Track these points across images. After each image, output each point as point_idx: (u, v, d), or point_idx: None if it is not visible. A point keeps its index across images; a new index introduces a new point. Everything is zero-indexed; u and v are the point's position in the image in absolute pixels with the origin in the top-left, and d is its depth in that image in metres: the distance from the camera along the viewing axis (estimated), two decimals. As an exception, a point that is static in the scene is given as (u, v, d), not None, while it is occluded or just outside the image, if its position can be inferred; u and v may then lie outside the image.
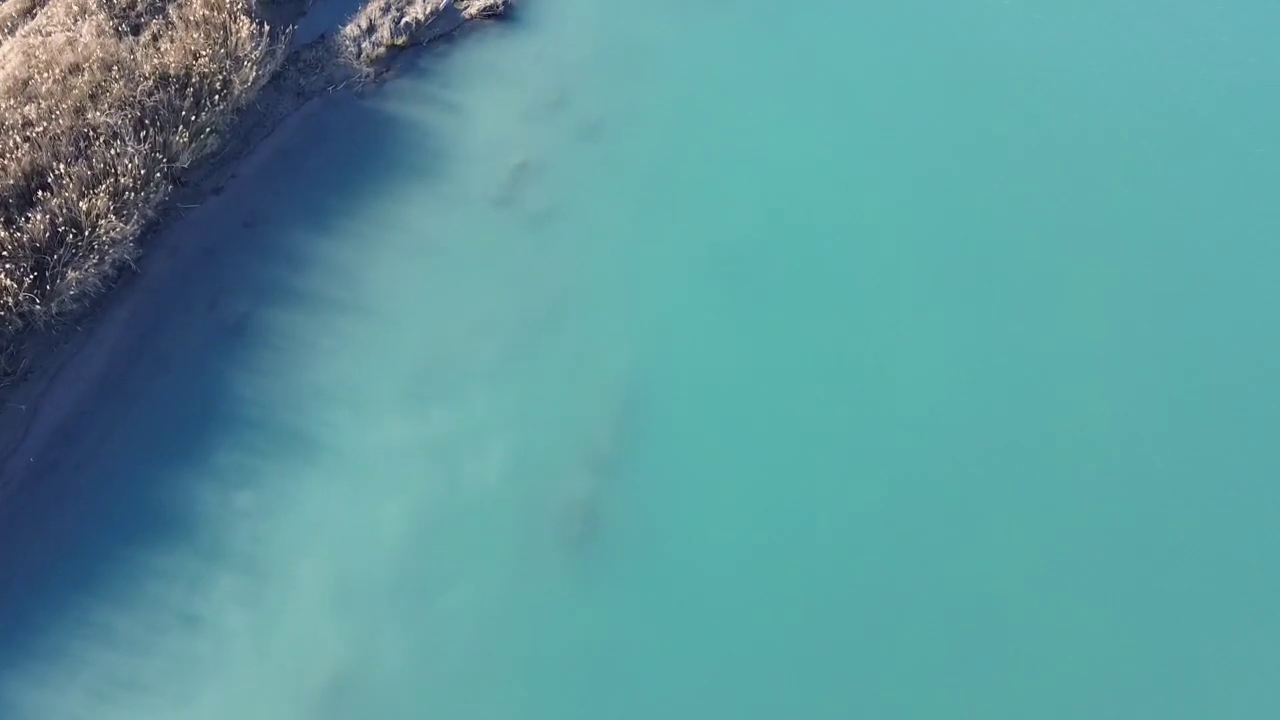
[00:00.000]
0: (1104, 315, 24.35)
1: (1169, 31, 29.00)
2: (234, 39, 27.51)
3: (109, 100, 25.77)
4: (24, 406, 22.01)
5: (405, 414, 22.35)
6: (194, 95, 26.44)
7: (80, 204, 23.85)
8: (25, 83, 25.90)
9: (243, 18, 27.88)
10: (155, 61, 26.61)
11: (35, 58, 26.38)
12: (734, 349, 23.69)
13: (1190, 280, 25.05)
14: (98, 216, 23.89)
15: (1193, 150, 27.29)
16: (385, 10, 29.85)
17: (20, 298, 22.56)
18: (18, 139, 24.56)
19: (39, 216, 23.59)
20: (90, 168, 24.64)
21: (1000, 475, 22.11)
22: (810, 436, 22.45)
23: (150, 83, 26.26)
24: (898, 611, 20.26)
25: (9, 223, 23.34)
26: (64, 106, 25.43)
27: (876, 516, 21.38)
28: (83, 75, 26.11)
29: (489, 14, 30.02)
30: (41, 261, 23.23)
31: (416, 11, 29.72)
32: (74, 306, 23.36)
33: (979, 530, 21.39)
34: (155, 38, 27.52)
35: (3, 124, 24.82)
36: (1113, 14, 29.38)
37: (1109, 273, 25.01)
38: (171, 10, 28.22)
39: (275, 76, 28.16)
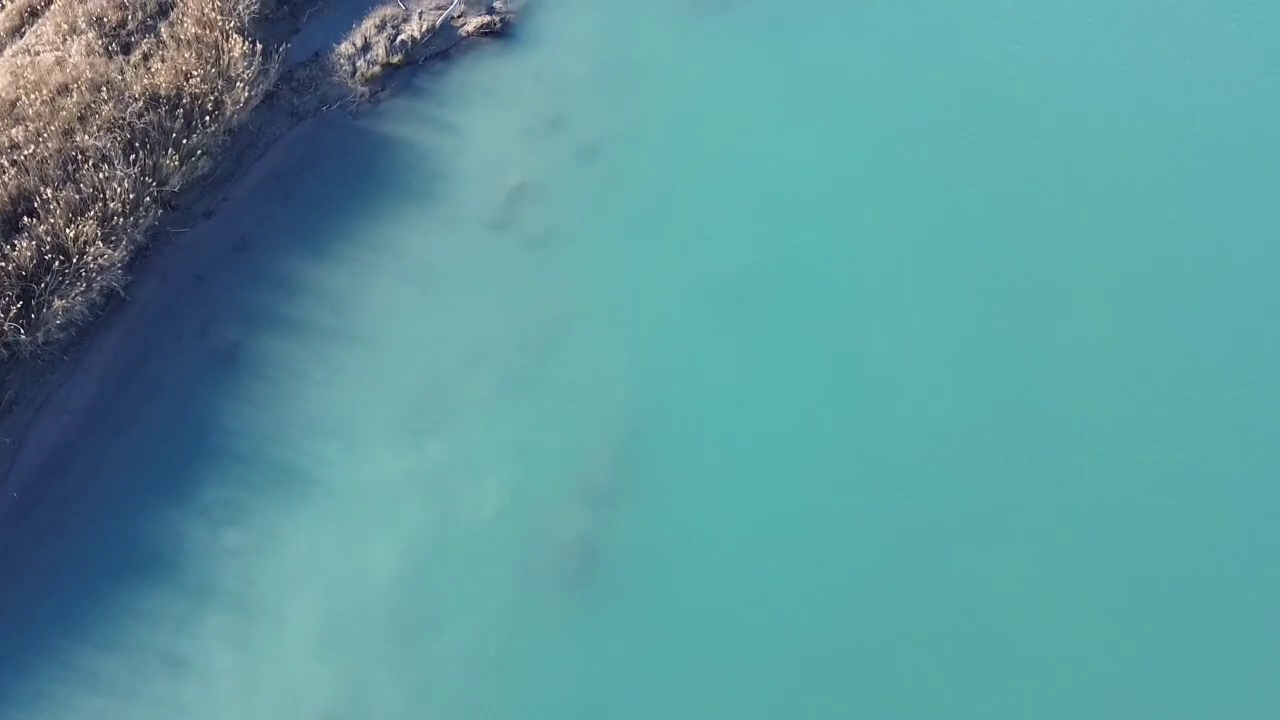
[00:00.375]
0: (1108, 334, 23.67)
1: (1172, 43, 28.39)
2: (226, 58, 27.01)
3: (98, 122, 25.28)
4: (8, 439, 21.52)
5: (398, 446, 21.82)
6: (185, 116, 25.94)
7: (68, 230, 23.34)
8: (13, 104, 25.43)
9: (235, 36, 27.37)
10: (146, 81, 26.12)
11: (23, 78, 25.90)
12: (735, 375, 23.13)
13: (1193, 294, 24.34)
14: (85, 243, 23.40)
15: (1194, 162, 26.64)
16: (380, 28, 29.34)
17: (5, 327, 22.07)
18: (4, 163, 24.10)
19: (25, 243, 23.10)
20: (78, 192, 24.15)
21: (1008, 503, 21.52)
22: (814, 467, 21.88)
23: (140, 104, 25.77)
24: (907, 654, 19.69)
25: (-6, 250, 22.90)
26: (52, 129, 24.95)
27: (884, 550, 20.80)
28: (71, 96, 25.64)
29: (486, 32, 29.49)
30: (27, 289, 22.73)
31: (412, 29, 29.20)
32: (61, 335, 22.86)
33: (985, 560, 20.78)
34: (146, 57, 27.03)
35: (-11, 147, 24.39)
36: (1116, 26, 28.77)
37: (1113, 291, 24.35)
38: (163, 28, 27.74)
39: (268, 96, 27.65)
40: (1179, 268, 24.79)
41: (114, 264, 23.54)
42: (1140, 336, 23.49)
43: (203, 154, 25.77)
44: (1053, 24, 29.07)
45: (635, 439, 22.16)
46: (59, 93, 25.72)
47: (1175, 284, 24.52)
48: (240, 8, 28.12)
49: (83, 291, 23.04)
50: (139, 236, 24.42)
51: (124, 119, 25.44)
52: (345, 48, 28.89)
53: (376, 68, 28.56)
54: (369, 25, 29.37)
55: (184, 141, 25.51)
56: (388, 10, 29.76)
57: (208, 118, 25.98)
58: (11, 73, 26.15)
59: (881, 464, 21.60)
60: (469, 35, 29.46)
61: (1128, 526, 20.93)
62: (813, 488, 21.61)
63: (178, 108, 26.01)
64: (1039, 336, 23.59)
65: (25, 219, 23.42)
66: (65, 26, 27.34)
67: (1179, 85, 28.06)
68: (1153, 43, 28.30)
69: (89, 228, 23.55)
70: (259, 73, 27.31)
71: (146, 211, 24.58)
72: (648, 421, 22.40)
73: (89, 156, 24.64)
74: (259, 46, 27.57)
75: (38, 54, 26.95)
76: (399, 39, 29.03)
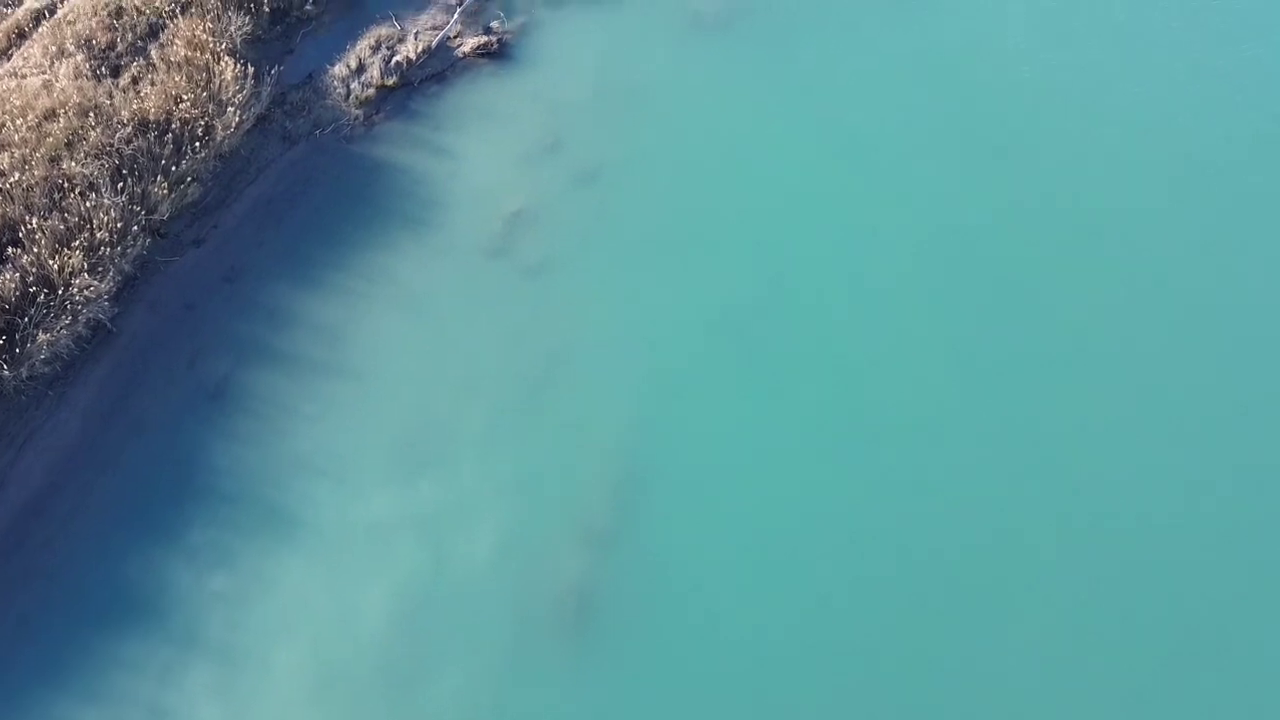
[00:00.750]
0: (1126, 376, 23.08)
1: (1190, 76, 27.76)
2: (217, 81, 26.43)
3: (85, 148, 24.73)
4: (-10, 479, 20.97)
5: (390, 486, 21.24)
6: (175, 141, 25.38)
7: (53, 261, 22.77)
8: (-2, 130, 24.88)
9: (227, 59, 26.83)
10: (135, 106, 25.56)
11: (9, 103, 25.35)
12: (736, 412, 22.53)
13: (1218, 340, 23.78)
14: (71, 274, 22.83)
15: (1204, 187, 26.05)
16: (375, 49, 28.77)
17: (-13, 363, 21.52)
18: (-12, 191, 23.53)
19: (9, 274, 22.57)
20: (64, 221, 23.59)
21: (1017, 549, 20.91)
22: (818, 510, 21.26)
23: (129, 129, 25.21)
24: (911, 701, 19.07)
25: (-23, 282, 22.33)
26: (38, 155, 24.40)
27: (891, 602, 20.16)
28: (59, 122, 25.09)
29: (482, 52, 28.93)
30: (11, 323, 22.17)
31: (407, 50, 28.63)
32: (45, 370, 22.29)
33: (994, 627, 20.02)
34: (135, 80, 26.48)
35: (-27, 175, 23.83)
36: (1131, 55, 28.15)
37: (1129, 332, 23.75)
38: (153, 50, 27.18)
39: (260, 120, 27.08)
40: (1194, 299, 24.20)
41: (100, 296, 22.97)
42: (1168, 394, 22.65)
43: (192, 180, 25.21)
44: (1059, 44, 28.49)
45: (634, 478, 21.57)
46: (46, 118, 25.16)
47: (1204, 332, 23.75)
48: (233, 29, 27.57)
49: (68, 324, 22.47)
50: (126, 266, 23.86)
51: (112, 145, 24.88)
52: (339, 69, 28.32)
53: (371, 90, 27.98)
54: (364, 46, 28.80)
55: (173, 168, 24.95)
56: (383, 30, 29.20)
57: (198, 143, 25.42)
58: (-3, 97, 25.61)
59: (888, 510, 20.99)
60: (465, 56, 28.89)
61: (1145, 594, 20.30)
62: (817, 532, 20.99)
63: (167, 133, 25.44)
64: (1051, 375, 22.96)
65: (9, 249, 22.85)
66: (53, 49, 26.78)
67: (1187, 107, 27.47)
68: (1176, 77, 27.61)
69: (75, 258, 22.98)
70: (251, 96, 26.75)
71: (134, 240, 24.02)
72: (646, 460, 21.81)
73: (76, 184, 24.07)
74: (251, 69, 27.02)
75: (24, 77, 26.38)
76: (394, 60, 28.45)
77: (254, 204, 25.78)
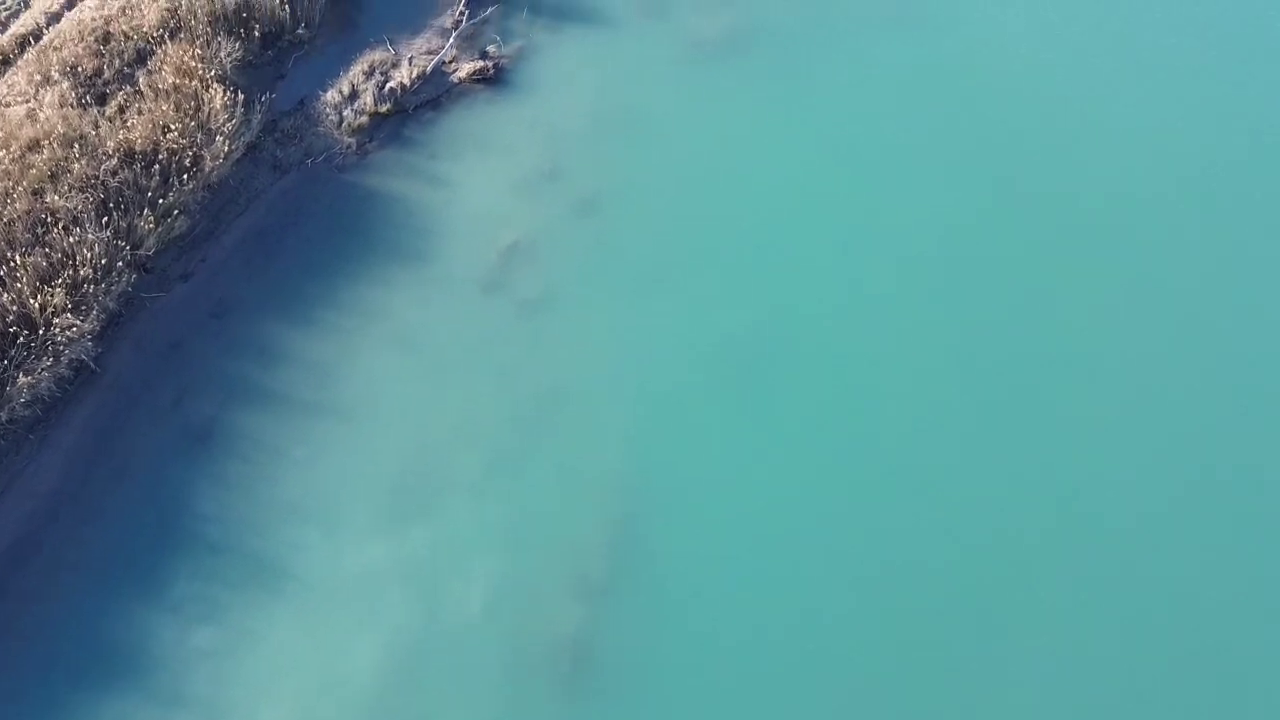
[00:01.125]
0: (1138, 411, 22.44)
1: (1192, 86, 27.11)
2: (206, 109, 25.79)
3: (70, 181, 24.10)
4: (-32, 528, 20.31)
5: (381, 533, 20.56)
6: (162, 173, 24.73)
7: (34, 300, 22.12)
8: (-20, 162, 24.23)
9: (216, 86, 26.18)
10: (121, 136, 24.92)
11: (-8, 134, 24.71)
12: (737, 454, 21.87)
13: (1219, 346, 23.25)
14: (53, 313, 22.18)
15: (1215, 209, 25.49)
16: (369, 74, 28.12)
17: (-35, 407, 20.87)
18: (-32, 227, 22.89)
19: (-11, 314, 21.90)
20: (47, 257, 22.95)
21: (1027, 598, 20.26)
22: (822, 556, 20.60)
23: (115, 160, 24.55)
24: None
25: (-44, 322, 21.69)
26: (21, 188, 23.77)
27: (897, 653, 19.50)
28: (42, 153, 24.46)
29: (479, 78, 28.27)
30: (-9, 365, 21.52)
31: (402, 76, 27.97)
32: (26, 413, 21.62)
33: (1002, 660, 19.51)
34: (122, 109, 25.83)
35: (-47, 210, 23.19)
36: (1133, 66, 27.51)
37: (1143, 357, 23.15)
38: (140, 77, 26.54)
39: (250, 148, 26.44)
40: (1196, 305, 23.80)
41: (83, 335, 22.29)
42: (1182, 425, 22.11)
43: (180, 213, 24.53)
44: (1061, 59, 27.83)
45: (631, 524, 20.90)
46: (29, 149, 24.54)
47: (1194, 322, 23.52)
48: (223, 55, 26.93)
49: (49, 366, 21.82)
50: (111, 303, 23.20)
51: (97, 177, 24.24)
52: (332, 95, 27.67)
53: (364, 117, 27.33)
54: (357, 71, 28.17)
55: (160, 200, 24.30)
56: (377, 55, 28.57)
57: (186, 175, 24.78)
58: (-20, 127, 24.97)
59: (898, 558, 20.31)
60: (461, 82, 28.24)
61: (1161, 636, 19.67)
62: (820, 579, 20.36)
63: (154, 163, 24.80)
64: (1063, 406, 22.39)
65: (-10, 288, 22.22)
66: (38, 77, 26.15)
67: (1190, 117, 26.88)
68: (1187, 92, 26.94)
69: (57, 296, 22.32)
70: (241, 124, 26.11)
71: (119, 276, 23.36)
72: (645, 505, 21.14)
73: (59, 218, 23.45)
74: (241, 96, 26.38)
75: (8, 106, 25.75)
76: (388, 86, 27.79)
77: (243, 236, 25.13)
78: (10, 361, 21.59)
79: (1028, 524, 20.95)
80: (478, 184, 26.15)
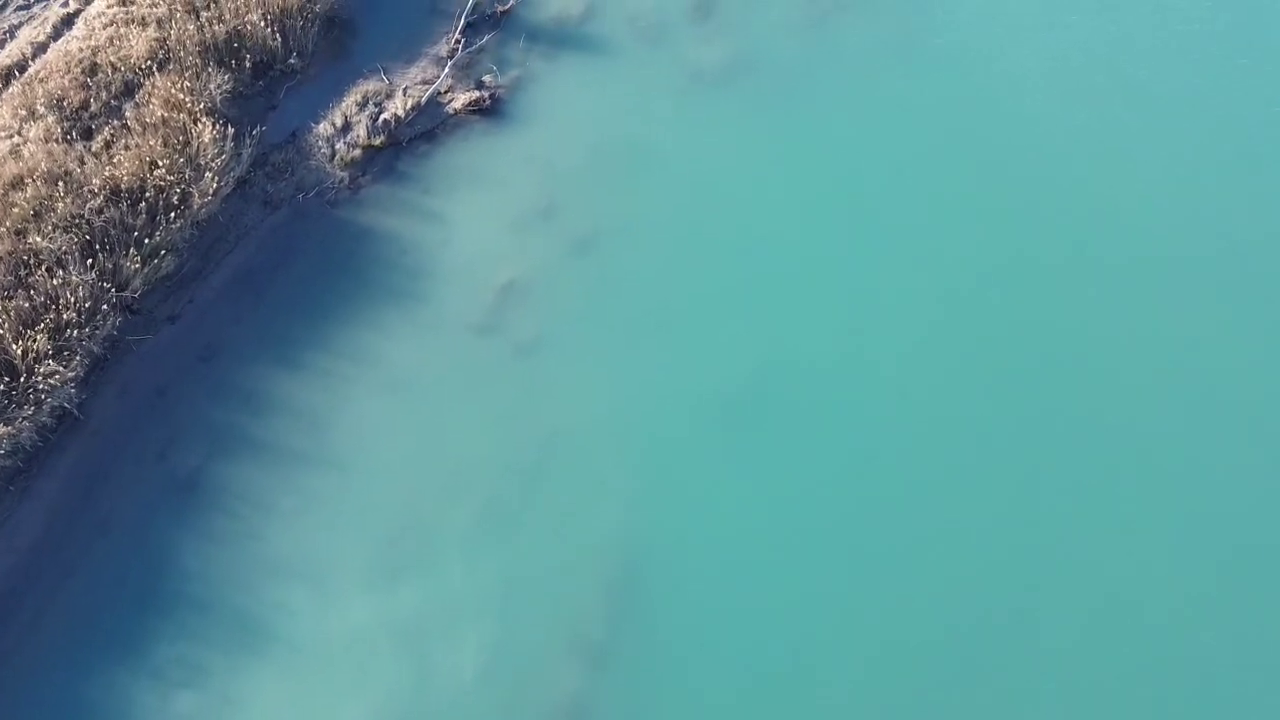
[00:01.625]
0: (1152, 469, 21.68)
1: (1214, 135, 26.36)
2: (195, 143, 25.18)
3: (54, 220, 23.51)
4: (-55, 586, 19.73)
5: (370, 591, 19.97)
6: (149, 211, 24.15)
7: (15, 346, 21.52)
8: (-38, 201, 23.64)
9: (205, 119, 25.57)
10: (107, 173, 24.31)
11: (-26, 171, 24.12)
12: (741, 508, 21.22)
13: (1251, 407, 22.44)
14: (35, 359, 21.58)
15: (1239, 266, 24.61)
16: (362, 105, 27.50)
17: (-57, 459, 20.28)
18: (-51, 270, 22.31)
19: (-32, 361, 21.31)
20: (30, 300, 22.36)
21: (1037, 652, 19.62)
22: (828, 616, 19.97)
23: (100, 199, 23.96)
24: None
25: (-66, 370, 21.12)
26: (3, 229, 23.18)
27: (901, 705, 18.88)
28: (26, 191, 23.87)
29: (474, 109, 27.64)
30: (-30, 414, 20.94)
31: (396, 107, 27.35)
32: (6, 464, 21.06)
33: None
34: (109, 144, 25.23)
35: (-67, 252, 22.60)
36: (1158, 110, 26.70)
37: (1156, 417, 22.33)
38: (128, 110, 25.93)
39: (240, 183, 25.84)
40: (1229, 365, 22.81)
41: (66, 383, 21.69)
42: (1199, 485, 21.28)
43: (167, 252, 23.93)
44: (1078, 102, 27.05)
45: (631, 581, 20.30)
46: (12, 186, 23.97)
47: (1224, 385, 22.49)
48: (212, 87, 26.31)
49: (31, 414, 21.23)
50: (95, 348, 22.62)
51: (82, 216, 23.65)
52: (324, 127, 27.05)
53: (357, 150, 26.72)
54: (350, 102, 27.54)
55: (147, 240, 23.72)
56: (370, 85, 27.95)
57: (173, 212, 24.17)
58: (-38, 164, 24.38)
59: (903, 618, 19.65)
60: (457, 113, 27.61)
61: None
62: (827, 641, 19.71)
63: (141, 201, 24.20)
64: (1072, 464, 21.61)
65: (-31, 334, 21.62)
66: (23, 111, 25.55)
67: (1211, 167, 26.06)
68: (1207, 137, 26.14)
69: (40, 341, 21.73)
70: (230, 159, 25.51)
71: (104, 319, 22.78)
72: (644, 560, 20.53)
73: (43, 260, 22.86)
74: (231, 130, 25.80)
75: (-8, 141, 25.15)
76: (382, 118, 27.18)
77: (232, 275, 24.54)
78: (-10, 411, 20.99)
79: (1033, 594, 20.19)
80: (472, 221, 25.52)
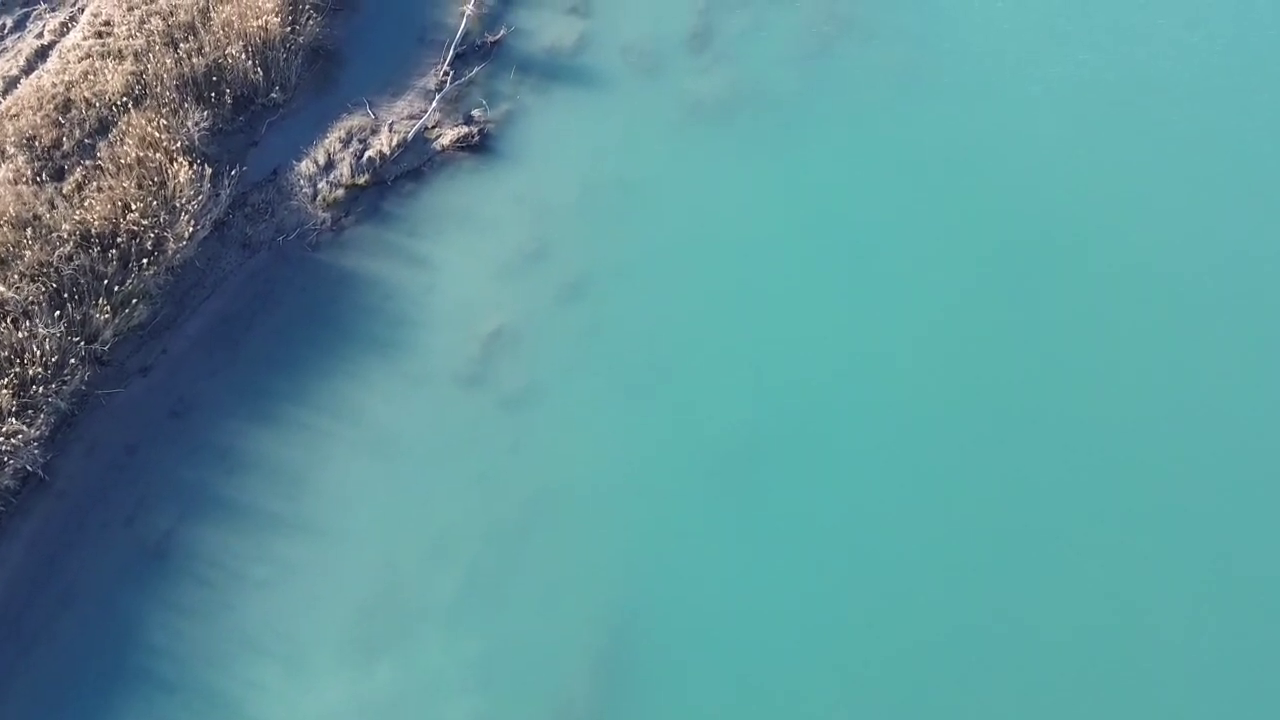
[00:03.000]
0: (1165, 520, 20.83)
1: (1231, 175, 25.35)
2: (171, 184, 24.20)
3: (21, 268, 22.54)
4: (-101, 663, 18.79)
5: (345, 670, 19.03)
6: (121, 257, 23.20)
7: (-24, 405, 20.59)
8: (-75, 248, 22.69)
9: (182, 159, 24.60)
10: (78, 217, 23.33)
11: (-61, 216, 23.15)
12: (736, 573, 20.37)
13: (1255, 468, 21.61)
14: (-2, 419, 20.63)
15: (1249, 302, 23.76)
16: (346, 142, 26.51)
17: (-101, 528, 19.34)
18: (-92, 323, 21.37)
19: (-73, 422, 20.37)
20: (-7, 355, 21.38)
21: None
22: (827, 688, 19.03)
23: (70, 245, 22.99)
24: None
25: (-109, 432, 20.18)
26: (-32, 278, 22.19)
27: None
28: (-8, 237, 22.87)
29: (463, 145, 26.65)
30: (-72, 478, 20.00)
31: (381, 144, 26.36)
32: (-34, 530, 20.09)
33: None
34: (80, 185, 24.26)
35: (-107, 304, 21.67)
36: (1172, 154, 25.70)
37: (1168, 471, 21.49)
38: (102, 149, 24.94)
39: (218, 225, 24.87)
40: (1233, 413, 22.09)
41: (30, 443, 20.73)
42: (1211, 526, 20.62)
43: (138, 303, 22.96)
44: (1091, 144, 26.05)
45: (620, 654, 19.41)
46: (-22, 232, 22.96)
47: (1229, 434, 21.84)
48: (190, 124, 25.33)
49: (-8, 478, 20.28)
50: (62, 404, 21.65)
51: (51, 263, 22.68)
52: (306, 165, 26.06)
53: (340, 190, 25.74)
54: (334, 138, 26.55)
55: (118, 288, 22.75)
56: (355, 120, 26.95)
57: (147, 259, 23.21)
58: (-73, 208, 23.42)
59: (906, 684, 18.70)
60: (444, 150, 26.62)
61: None
62: (821, 710, 18.76)
63: (113, 247, 23.23)
64: (1082, 516, 20.74)
65: (-71, 392, 20.69)
66: (-8, 150, 24.56)
67: (1226, 209, 25.09)
68: (1214, 172, 25.19)
69: (3, 398, 20.77)
70: (208, 200, 24.52)
71: (72, 373, 21.82)
72: (635, 632, 19.64)
73: (9, 311, 21.91)
74: (209, 170, 24.81)
75: (-41, 183, 24.18)
76: (366, 155, 26.19)
77: (208, 323, 23.57)
78: (-51, 475, 20.05)
79: (1034, 639, 19.44)
80: (459, 265, 24.55)
